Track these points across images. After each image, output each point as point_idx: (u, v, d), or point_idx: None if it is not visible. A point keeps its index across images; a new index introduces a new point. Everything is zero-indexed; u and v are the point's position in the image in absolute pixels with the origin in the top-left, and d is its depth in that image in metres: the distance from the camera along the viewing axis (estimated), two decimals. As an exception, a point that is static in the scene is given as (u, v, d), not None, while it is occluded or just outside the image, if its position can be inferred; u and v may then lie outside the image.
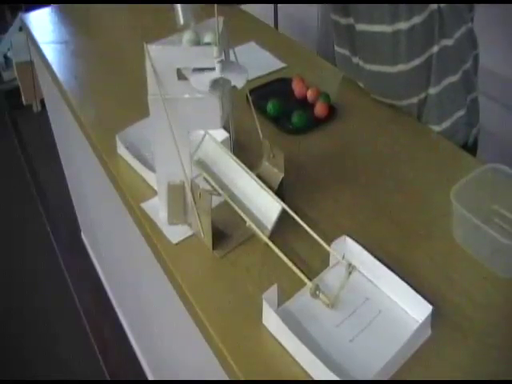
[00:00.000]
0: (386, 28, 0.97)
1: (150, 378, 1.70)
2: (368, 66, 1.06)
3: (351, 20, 1.05)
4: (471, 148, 1.10)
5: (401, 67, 1.01)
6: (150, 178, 0.88)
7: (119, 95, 1.14)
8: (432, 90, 1.02)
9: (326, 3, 1.17)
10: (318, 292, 0.66)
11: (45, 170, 2.67)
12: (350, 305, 0.69)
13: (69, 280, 2.12)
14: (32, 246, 2.30)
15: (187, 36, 0.71)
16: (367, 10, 0.99)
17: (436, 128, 1.04)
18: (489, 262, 0.74)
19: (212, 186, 0.81)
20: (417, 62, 0.99)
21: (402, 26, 0.96)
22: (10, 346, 1.87)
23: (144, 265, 1.11)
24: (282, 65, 1.24)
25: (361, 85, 1.13)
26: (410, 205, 0.85)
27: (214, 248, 0.77)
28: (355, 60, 1.11)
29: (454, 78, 1.03)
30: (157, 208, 0.82)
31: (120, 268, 1.60)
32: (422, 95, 1.03)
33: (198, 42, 0.71)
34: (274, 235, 0.76)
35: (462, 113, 1.05)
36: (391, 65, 1.01)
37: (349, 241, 0.73)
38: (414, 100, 1.03)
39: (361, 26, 1.02)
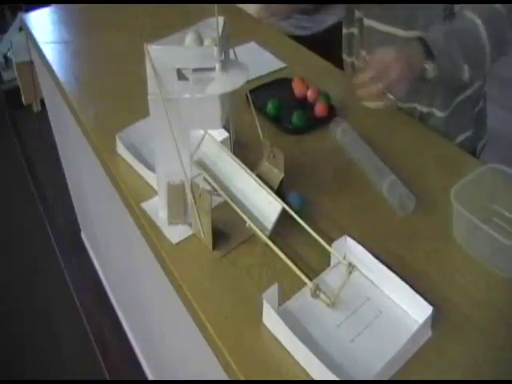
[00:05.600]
0: (401, 32, 0.98)
1: (150, 378, 1.70)
2: None
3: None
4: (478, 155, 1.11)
5: None
6: (150, 178, 0.88)
7: (119, 95, 1.14)
8: (439, 113, 1.01)
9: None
10: (318, 292, 0.66)
11: (45, 169, 2.67)
12: (351, 305, 0.69)
13: (69, 280, 2.12)
14: (32, 246, 2.30)
15: (190, 36, 0.71)
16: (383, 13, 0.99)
17: None
18: (489, 261, 0.74)
19: (212, 186, 0.81)
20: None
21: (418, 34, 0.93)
22: (10, 346, 1.87)
23: (144, 265, 1.11)
24: (282, 65, 1.24)
25: None
26: (410, 205, 0.85)
27: (214, 248, 0.77)
28: None
29: (463, 96, 1.02)
30: (157, 208, 0.82)
31: (120, 268, 1.60)
32: (425, 109, 1.02)
33: (200, 41, 0.71)
34: (274, 235, 0.76)
35: (468, 133, 1.05)
36: None
37: (349, 241, 0.73)
38: (418, 107, 1.03)
39: (370, 22, 1.01)
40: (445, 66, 0.87)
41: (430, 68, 0.87)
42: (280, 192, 0.80)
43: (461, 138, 1.05)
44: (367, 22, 1.02)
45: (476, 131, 1.07)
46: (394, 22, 0.98)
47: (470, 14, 0.87)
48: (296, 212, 0.74)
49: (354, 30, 1.14)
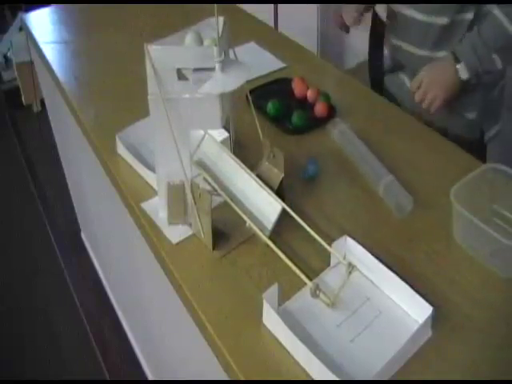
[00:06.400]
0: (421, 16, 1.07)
1: (150, 378, 1.70)
2: (398, 42, 1.17)
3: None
4: (486, 145, 1.15)
5: (425, 53, 1.10)
6: (150, 178, 0.88)
7: (119, 95, 1.14)
8: None
9: (325, 3, 1.18)
10: (318, 292, 0.66)
11: (45, 169, 2.67)
12: (351, 305, 0.69)
13: (69, 280, 2.12)
14: (32, 246, 2.30)
15: (190, 36, 0.71)
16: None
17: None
18: (489, 261, 0.74)
19: (212, 186, 0.81)
20: (442, 54, 1.08)
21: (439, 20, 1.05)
22: (10, 346, 1.87)
23: (144, 265, 1.11)
24: (282, 65, 1.24)
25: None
26: (410, 205, 0.85)
27: (214, 248, 0.77)
28: None
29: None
30: (157, 208, 0.82)
31: (120, 268, 1.60)
32: None
33: (200, 41, 0.71)
34: (274, 235, 0.76)
35: (473, 115, 1.08)
36: (418, 47, 1.12)
37: (349, 241, 0.73)
38: None
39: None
40: (474, 63, 1.00)
41: (461, 68, 1.01)
42: (280, 192, 0.80)
43: (465, 117, 1.09)
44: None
45: (483, 114, 1.11)
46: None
47: (496, 11, 0.97)
48: (312, 177, 0.75)
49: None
